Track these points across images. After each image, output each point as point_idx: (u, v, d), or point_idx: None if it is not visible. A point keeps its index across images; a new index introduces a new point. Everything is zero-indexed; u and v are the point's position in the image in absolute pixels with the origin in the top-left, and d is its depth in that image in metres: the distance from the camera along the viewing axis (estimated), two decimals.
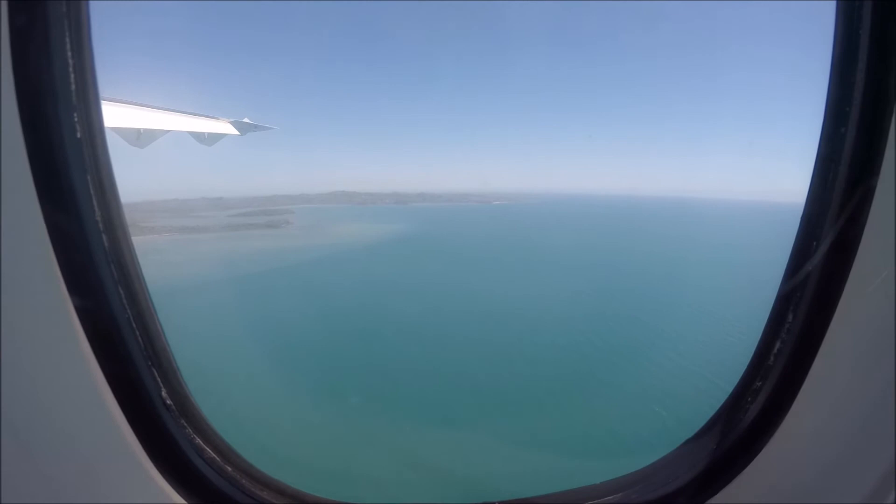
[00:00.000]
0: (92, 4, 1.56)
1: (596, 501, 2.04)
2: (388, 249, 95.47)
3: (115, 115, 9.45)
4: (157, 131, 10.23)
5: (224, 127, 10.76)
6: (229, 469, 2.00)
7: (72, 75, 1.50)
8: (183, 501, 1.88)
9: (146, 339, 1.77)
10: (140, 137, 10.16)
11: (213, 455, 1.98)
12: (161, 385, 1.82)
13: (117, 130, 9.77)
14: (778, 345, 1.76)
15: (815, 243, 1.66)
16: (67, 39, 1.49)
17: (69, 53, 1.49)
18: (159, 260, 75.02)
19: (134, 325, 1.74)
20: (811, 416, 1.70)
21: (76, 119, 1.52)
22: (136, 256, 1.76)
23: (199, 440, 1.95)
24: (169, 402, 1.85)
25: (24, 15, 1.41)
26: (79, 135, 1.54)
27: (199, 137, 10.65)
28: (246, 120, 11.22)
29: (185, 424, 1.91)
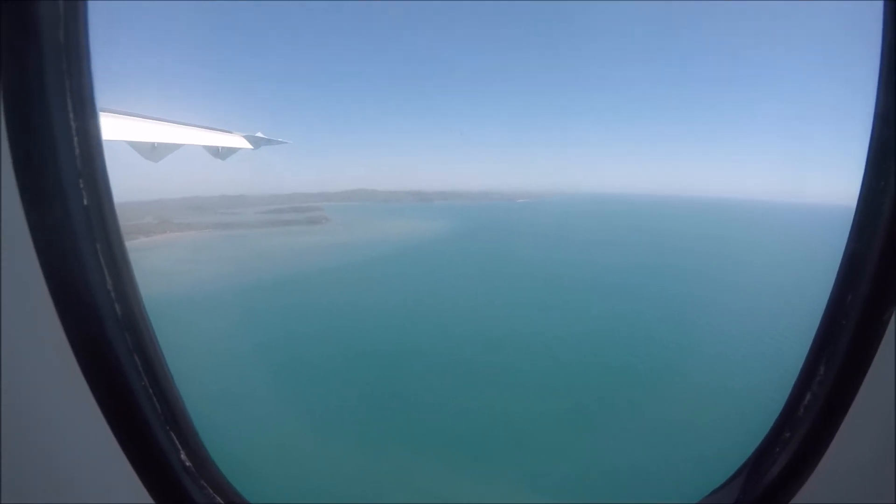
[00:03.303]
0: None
1: None
2: (443, 247, 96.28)
3: (129, 129, 9.50)
4: (171, 145, 10.22)
5: (237, 141, 10.80)
6: None
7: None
8: None
9: (164, 405, 1.77)
10: (154, 151, 10.18)
11: None
12: (180, 448, 1.82)
13: (132, 144, 9.84)
14: (808, 397, 1.72)
15: (850, 296, 1.60)
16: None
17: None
18: (216, 256, 77.13)
19: (151, 391, 1.73)
20: (840, 471, 1.65)
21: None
22: (149, 322, 1.74)
23: (220, 500, 1.93)
24: (188, 464, 1.84)
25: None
26: (85, 202, 1.50)
27: (213, 151, 10.69)
28: (259, 134, 11.25)
29: (205, 485, 1.90)
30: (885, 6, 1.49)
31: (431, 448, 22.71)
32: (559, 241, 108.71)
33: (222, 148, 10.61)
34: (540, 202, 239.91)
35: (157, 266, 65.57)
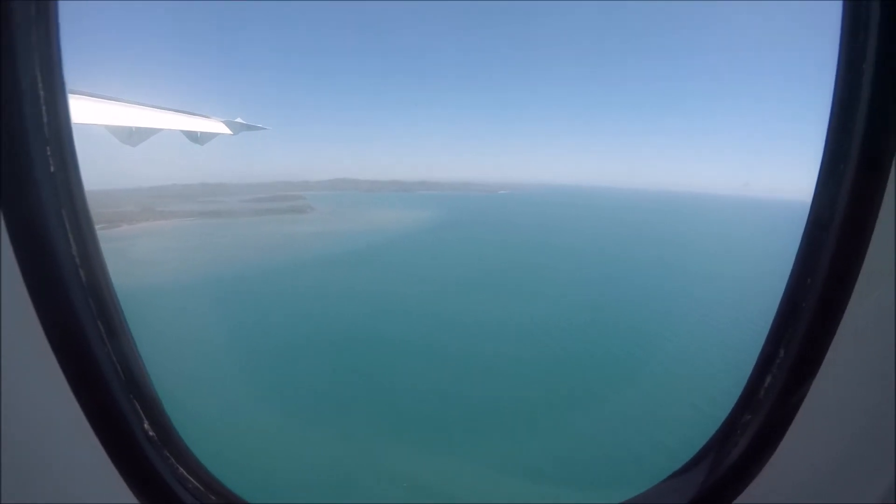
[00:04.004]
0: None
1: None
2: (431, 237, 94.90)
3: (107, 113, 9.41)
4: (149, 130, 10.18)
5: (216, 126, 10.75)
6: (213, 499, 1.98)
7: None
8: None
9: (127, 373, 1.75)
10: (132, 135, 10.14)
11: (197, 485, 1.96)
12: (143, 417, 1.81)
13: (110, 128, 9.75)
14: (769, 379, 1.74)
15: (809, 280, 1.63)
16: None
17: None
18: (203, 244, 75.31)
19: (114, 358, 1.71)
20: (799, 454, 1.68)
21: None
22: (113, 289, 1.73)
23: (182, 470, 1.93)
24: (151, 433, 1.83)
25: None
26: (52, 169, 1.52)
27: (192, 136, 10.64)
28: (239, 120, 11.21)
29: (168, 455, 1.89)
30: (844, 6, 1.52)
31: (403, 430, 23.05)
32: (544, 231, 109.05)
33: (201, 133, 10.55)
34: (520, 193, 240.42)
35: (146, 254, 64.08)
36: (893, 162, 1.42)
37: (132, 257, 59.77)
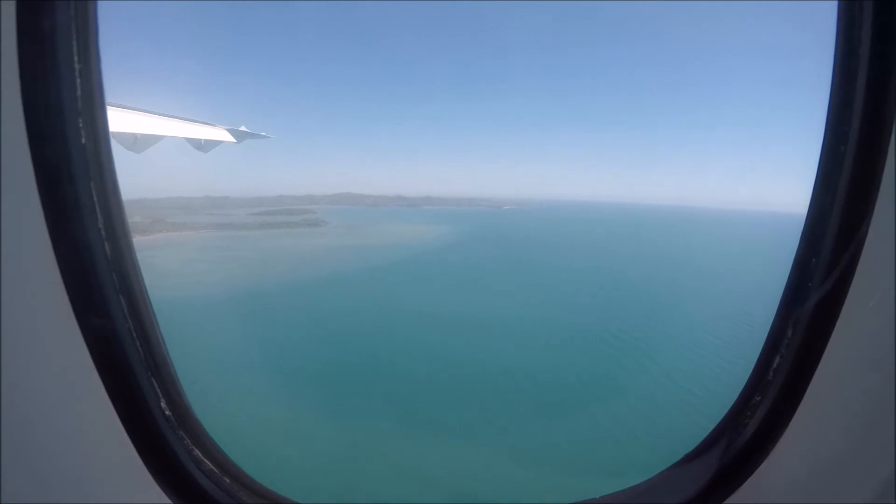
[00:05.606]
0: (100, 6, 1.54)
1: None
2: (456, 252, 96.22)
3: (111, 120, 9.38)
4: (153, 136, 10.16)
5: (220, 134, 10.75)
6: (227, 481, 1.97)
7: (78, 80, 1.49)
8: None
9: (146, 350, 1.76)
10: (136, 142, 10.11)
11: (212, 467, 1.95)
12: (160, 395, 1.81)
13: (114, 135, 9.72)
14: (777, 360, 1.75)
15: (814, 259, 1.64)
16: (74, 43, 1.48)
17: (76, 57, 1.49)
18: (226, 257, 76.25)
19: (134, 334, 1.72)
20: (810, 432, 1.69)
21: (81, 125, 1.53)
22: (137, 265, 1.74)
23: (197, 451, 1.93)
24: (168, 412, 1.83)
25: (32, 17, 1.41)
26: (83, 141, 1.54)
27: (196, 144, 10.64)
28: (243, 128, 11.23)
29: (184, 435, 1.90)
30: (839, 6, 1.51)
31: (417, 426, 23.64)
32: (562, 247, 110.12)
33: (205, 140, 10.55)
34: (525, 209, 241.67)
35: (170, 265, 64.29)
36: (892, 139, 1.42)
37: (158, 269, 60.11)
